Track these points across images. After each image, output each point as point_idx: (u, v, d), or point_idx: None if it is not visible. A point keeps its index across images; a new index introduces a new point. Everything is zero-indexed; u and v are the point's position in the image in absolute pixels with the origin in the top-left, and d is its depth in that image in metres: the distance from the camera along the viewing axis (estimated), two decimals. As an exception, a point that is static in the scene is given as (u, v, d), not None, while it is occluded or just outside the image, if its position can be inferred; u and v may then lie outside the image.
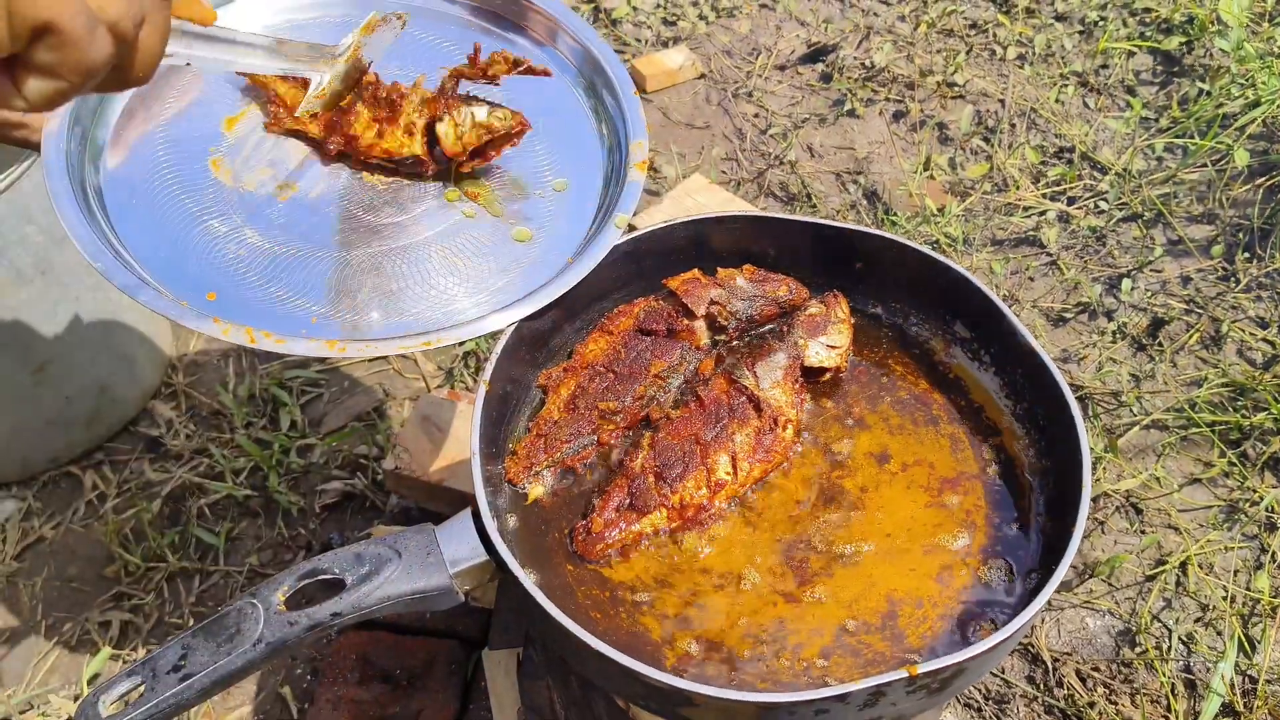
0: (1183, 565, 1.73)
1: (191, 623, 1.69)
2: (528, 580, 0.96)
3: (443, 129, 1.17)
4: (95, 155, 1.16)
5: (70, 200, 1.06)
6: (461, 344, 1.12)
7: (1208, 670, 1.61)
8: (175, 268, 1.09)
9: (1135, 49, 2.74)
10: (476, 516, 1.00)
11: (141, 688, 0.93)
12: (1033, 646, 1.64)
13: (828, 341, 1.21)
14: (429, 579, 0.99)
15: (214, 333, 1.01)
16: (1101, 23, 2.81)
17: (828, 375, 1.22)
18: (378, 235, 1.17)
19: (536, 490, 1.13)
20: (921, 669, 0.88)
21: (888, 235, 1.26)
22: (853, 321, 1.25)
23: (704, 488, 1.09)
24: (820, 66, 2.77)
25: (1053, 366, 1.12)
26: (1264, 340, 2.07)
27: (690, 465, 1.09)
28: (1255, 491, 1.82)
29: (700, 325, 1.23)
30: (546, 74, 1.22)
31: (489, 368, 1.11)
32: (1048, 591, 0.94)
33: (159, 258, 1.09)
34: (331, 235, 1.16)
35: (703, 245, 1.30)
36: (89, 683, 1.64)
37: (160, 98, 1.23)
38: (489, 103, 1.18)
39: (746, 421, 1.13)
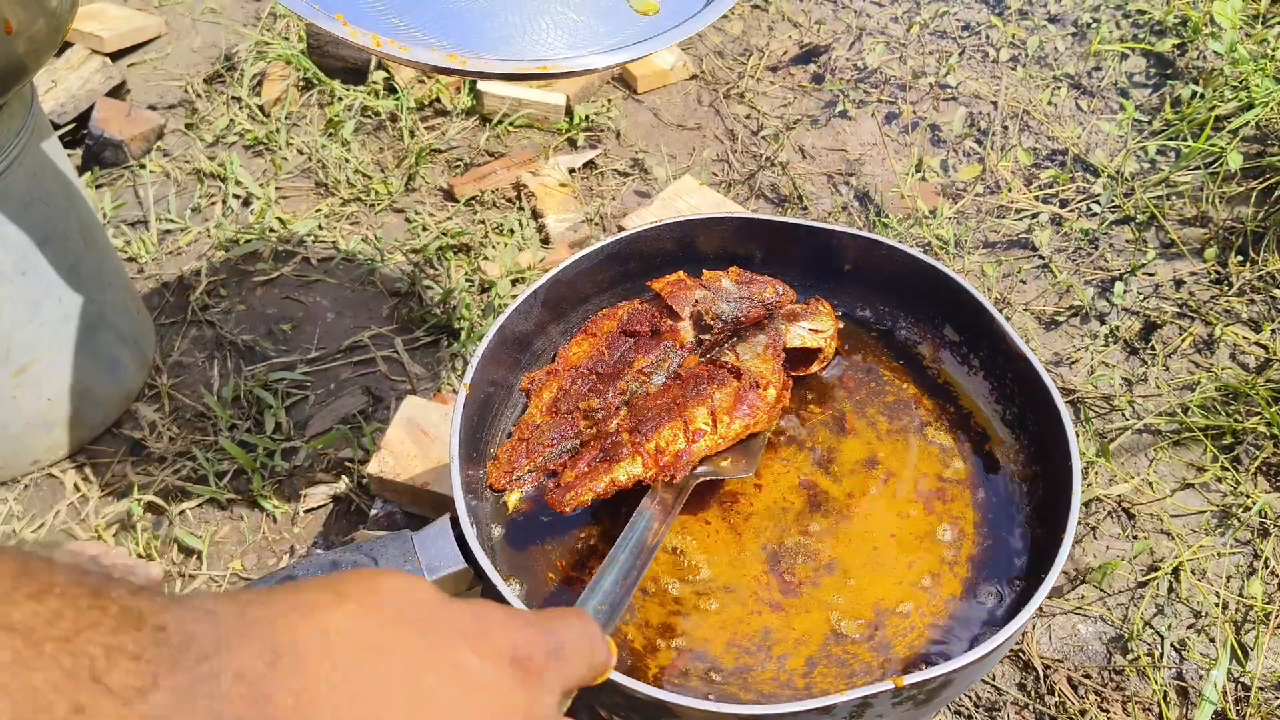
0: (1175, 571, 1.71)
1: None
2: (507, 589, 0.94)
3: None
4: None
5: None
6: (578, 72, 1.14)
7: (1200, 677, 1.59)
8: None
9: (1128, 51, 2.73)
10: (455, 523, 0.98)
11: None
12: (1024, 653, 1.62)
13: (809, 326, 1.18)
14: (406, 587, 0.97)
15: (341, 34, 1.01)
16: (1094, 25, 2.80)
17: (815, 366, 1.20)
18: None
19: (514, 497, 1.11)
20: (908, 680, 0.87)
21: (875, 236, 1.24)
22: (839, 322, 1.24)
23: (681, 436, 1.06)
24: (812, 67, 2.76)
25: (1041, 369, 1.10)
26: (1257, 344, 2.06)
27: (667, 419, 1.07)
28: (1248, 497, 1.80)
29: (685, 326, 1.21)
30: None
31: (470, 370, 1.09)
32: (1037, 600, 0.93)
33: None
34: None
35: (690, 248, 1.29)
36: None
37: None
38: None
39: (726, 384, 1.10)
